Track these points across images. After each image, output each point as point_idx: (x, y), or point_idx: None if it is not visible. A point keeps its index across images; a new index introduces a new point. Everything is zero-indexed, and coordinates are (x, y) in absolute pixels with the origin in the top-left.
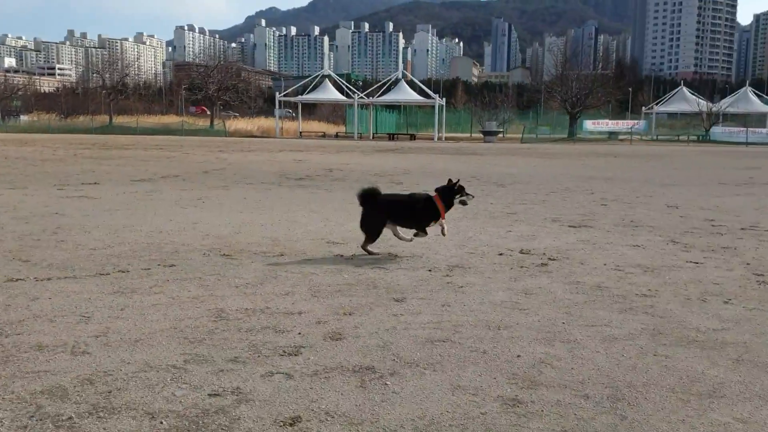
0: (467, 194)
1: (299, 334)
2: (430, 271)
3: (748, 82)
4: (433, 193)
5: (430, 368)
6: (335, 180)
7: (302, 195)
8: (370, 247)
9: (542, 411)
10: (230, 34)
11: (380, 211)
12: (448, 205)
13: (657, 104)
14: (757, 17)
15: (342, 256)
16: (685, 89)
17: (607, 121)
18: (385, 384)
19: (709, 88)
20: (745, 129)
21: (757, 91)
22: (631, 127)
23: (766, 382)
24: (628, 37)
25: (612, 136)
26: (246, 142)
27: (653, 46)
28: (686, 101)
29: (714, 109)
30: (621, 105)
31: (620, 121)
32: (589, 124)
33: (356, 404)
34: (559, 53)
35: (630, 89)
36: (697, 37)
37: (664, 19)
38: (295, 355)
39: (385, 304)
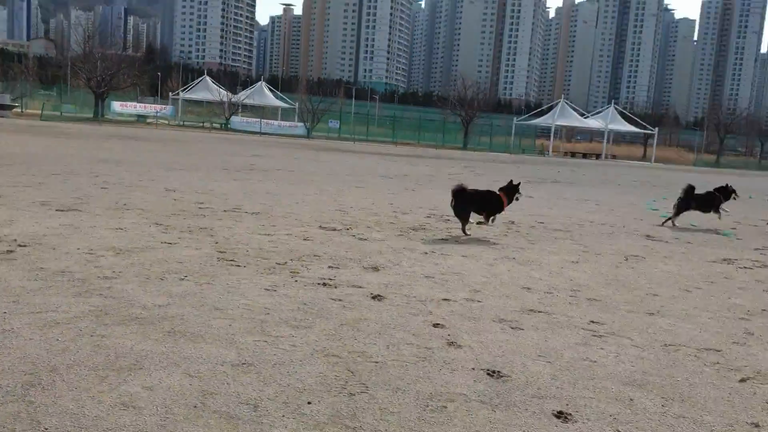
0: (520, 194)
1: None
2: None
3: (263, 77)
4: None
5: None
6: None
7: None
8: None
9: None
10: None
11: (467, 202)
12: (510, 200)
13: (183, 91)
14: (272, 19)
15: None
16: (208, 79)
17: (135, 103)
18: None
19: (230, 80)
20: (260, 120)
21: (271, 87)
22: (157, 112)
23: (186, 350)
24: (158, 23)
25: (140, 118)
26: None
27: (182, 35)
28: (209, 90)
29: (234, 99)
30: (152, 89)
31: (148, 105)
32: (118, 106)
33: None
34: (85, 30)
35: (159, 74)
36: (222, 30)
37: (192, 9)
38: None
39: None
